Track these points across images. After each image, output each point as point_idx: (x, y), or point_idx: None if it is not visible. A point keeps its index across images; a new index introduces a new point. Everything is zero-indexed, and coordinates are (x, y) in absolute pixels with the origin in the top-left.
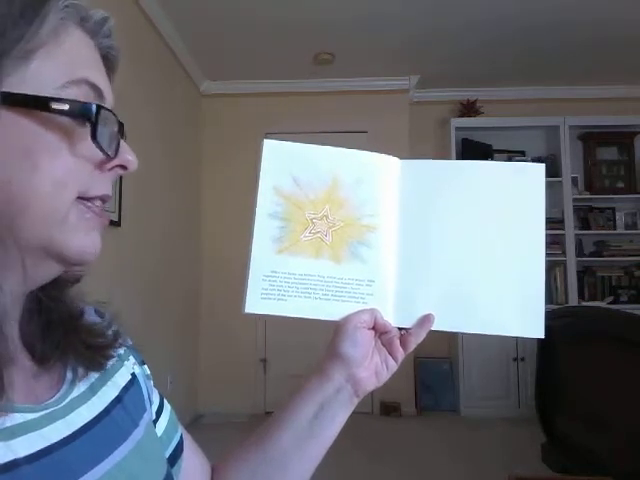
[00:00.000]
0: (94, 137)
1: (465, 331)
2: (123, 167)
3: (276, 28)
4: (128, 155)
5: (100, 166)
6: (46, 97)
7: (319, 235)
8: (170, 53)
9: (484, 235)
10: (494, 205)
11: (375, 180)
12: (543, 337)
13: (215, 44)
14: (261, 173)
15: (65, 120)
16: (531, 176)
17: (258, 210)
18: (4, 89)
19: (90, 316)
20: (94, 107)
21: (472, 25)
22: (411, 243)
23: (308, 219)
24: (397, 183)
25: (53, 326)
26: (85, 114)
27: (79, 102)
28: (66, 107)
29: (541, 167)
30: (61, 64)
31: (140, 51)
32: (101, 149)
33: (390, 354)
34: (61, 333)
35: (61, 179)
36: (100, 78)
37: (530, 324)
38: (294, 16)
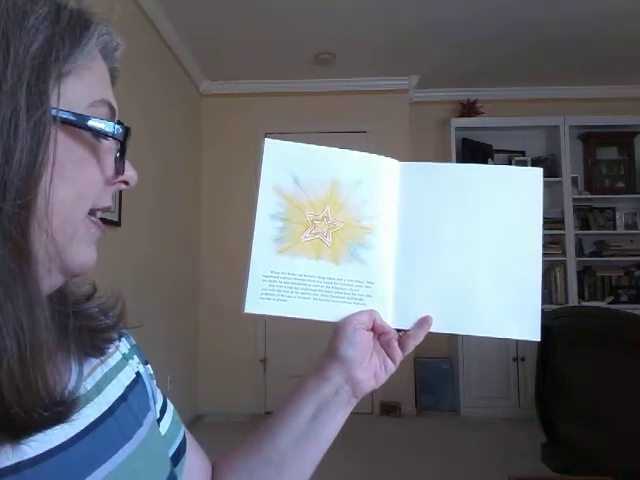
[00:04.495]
0: (122, 156)
1: (462, 333)
2: (126, 183)
3: (276, 28)
4: (130, 172)
5: (109, 180)
6: (85, 115)
7: (319, 236)
8: (170, 53)
9: (482, 238)
10: (492, 208)
11: (375, 182)
12: (539, 340)
13: (215, 44)
14: (262, 172)
15: (91, 136)
16: (529, 180)
17: (259, 210)
18: (53, 105)
19: (90, 305)
20: (124, 129)
21: (472, 25)
22: (409, 245)
23: (309, 220)
24: (396, 185)
25: (65, 318)
26: (115, 134)
27: (111, 122)
28: (101, 126)
29: (539, 171)
30: (88, 85)
31: (140, 51)
32: (122, 167)
33: (388, 355)
34: (64, 318)
35: (83, 192)
36: (112, 97)
37: (526, 327)
38: (294, 16)
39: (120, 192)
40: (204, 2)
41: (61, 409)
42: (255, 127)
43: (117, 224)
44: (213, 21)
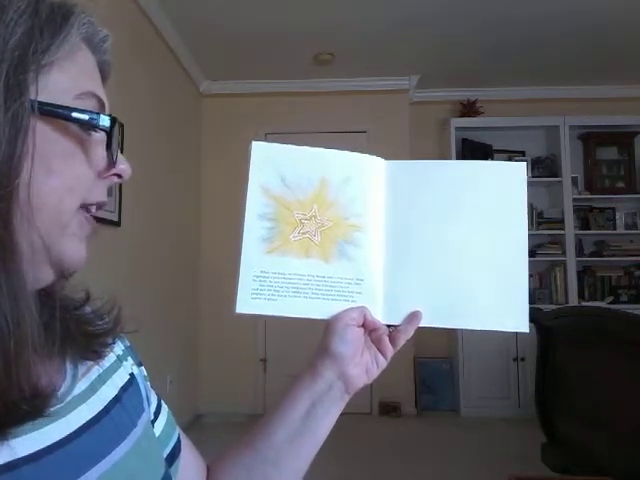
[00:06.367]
0: (109, 147)
1: (452, 326)
2: (119, 176)
3: (276, 28)
4: (122, 164)
5: (100, 174)
6: (69, 107)
7: (308, 235)
8: (170, 53)
9: (468, 232)
10: (477, 203)
11: (361, 180)
12: (527, 331)
13: (215, 44)
14: (250, 174)
15: (79, 129)
16: (513, 174)
17: (247, 211)
18: (31, 97)
19: (87, 309)
20: (110, 119)
21: (472, 25)
22: (397, 242)
23: (297, 219)
24: (383, 183)
25: (53, 316)
26: (102, 125)
27: (97, 113)
28: (86, 117)
29: (522, 166)
30: (73, 77)
31: (140, 51)
32: (111, 159)
33: (380, 351)
34: (61, 322)
35: (71, 185)
36: (101, 90)
37: (515, 319)
38: (294, 16)
39: (120, 193)
40: (204, 2)
41: (37, 402)
42: (255, 127)
43: (117, 224)
44: (213, 21)
